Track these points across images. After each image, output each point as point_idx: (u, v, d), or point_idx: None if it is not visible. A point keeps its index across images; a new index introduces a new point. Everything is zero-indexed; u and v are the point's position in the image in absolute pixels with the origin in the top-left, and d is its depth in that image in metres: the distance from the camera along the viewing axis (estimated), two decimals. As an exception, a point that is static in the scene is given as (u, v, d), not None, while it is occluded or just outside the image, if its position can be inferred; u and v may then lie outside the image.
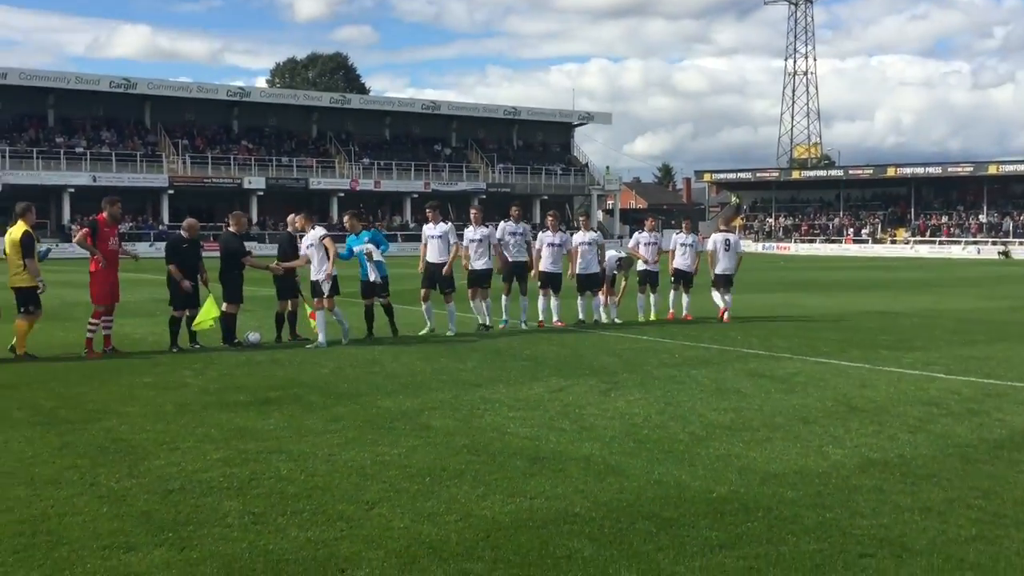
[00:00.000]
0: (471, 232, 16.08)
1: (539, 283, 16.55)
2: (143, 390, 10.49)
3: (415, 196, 75.05)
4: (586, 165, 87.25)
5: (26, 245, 12.90)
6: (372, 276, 14.66)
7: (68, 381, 11.07)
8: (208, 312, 13.96)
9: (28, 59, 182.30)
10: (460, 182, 77.38)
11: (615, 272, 18.26)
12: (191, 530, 5.65)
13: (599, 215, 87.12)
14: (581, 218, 18.29)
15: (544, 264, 16.54)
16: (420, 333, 15.35)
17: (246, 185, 68.09)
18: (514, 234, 16.37)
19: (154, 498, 6.31)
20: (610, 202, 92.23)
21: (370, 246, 14.79)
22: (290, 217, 15.11)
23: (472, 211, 16.34)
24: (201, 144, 71.33)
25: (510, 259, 16.33)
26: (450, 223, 15.48)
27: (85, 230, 13.42)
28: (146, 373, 11.66)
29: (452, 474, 6.92)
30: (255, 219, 63.74)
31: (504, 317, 16.41)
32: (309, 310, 14.56)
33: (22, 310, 13.02)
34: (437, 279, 15.36)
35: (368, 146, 78.91)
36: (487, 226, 16.22)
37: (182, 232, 14.35)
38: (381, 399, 9.91)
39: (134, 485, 6.62)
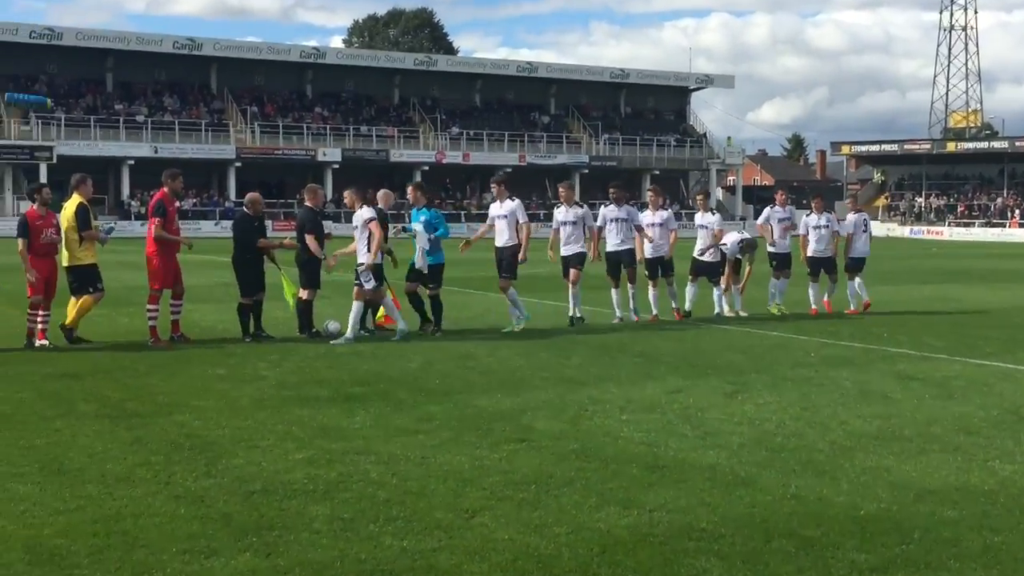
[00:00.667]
0: (562, 213, 16.03)
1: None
2: (216, 382, 10.84)
3: (508, 170, 75.28)
4: (704, 135, 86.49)
5: (81, 216, 13.40)
6: (418, 262, 14.54)
7: (135, 371, 11.49)
8: (287, 288, 14.47)
9: (84, 18, 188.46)
10: (559, 154, 77.49)
11: (738, 256, 18.11)
12: (276, 535, 5.84)
13: (718, 192, 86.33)
14: (699, 198, 18.22)
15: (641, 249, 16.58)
16: (505, 330, 15.18)
17: (320, 157, 69.32)
18: (616, 220, 16.34)
19: (234, 499, 6.54)
20: (731, 178, 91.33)
21: (418, 227, 14.55)
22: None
23: (561, 190, 16.28)
24: (271, 111, 72.85)
25: (609, 247, 16.35)
26: (516, 200, 15.26)
27: (157, 220, 13.78)
28: (218, 364, 12.03)
29: (560, 482, 7.00)
30: (330, 195, 64.86)
31: (618, 312, 16.41)
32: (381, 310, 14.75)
33: (89, 289, 13.49)
34: (503, 265, 15.22)
35: (456, 114, 79.49)
36: (581, 206, 16.14)
37: (246, 209, 14.70)
38: (477, 397, 10.05)
39: (212, 485, 6.87)
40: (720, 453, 7.83)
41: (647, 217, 16.86)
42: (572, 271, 15.83)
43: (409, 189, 15.24)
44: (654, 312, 16.71)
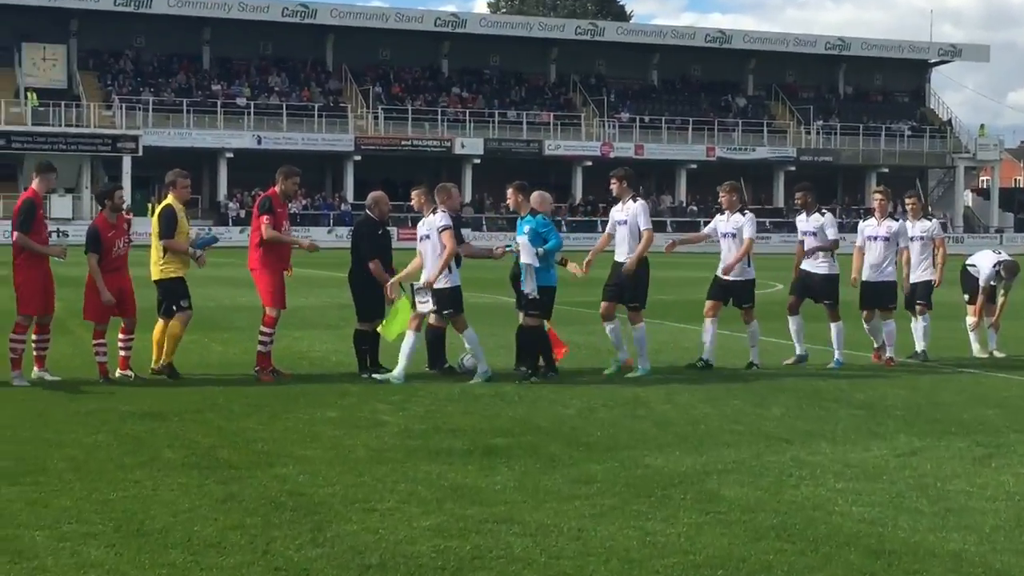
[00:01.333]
0: (723, 222, 15.78)
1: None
2: (326, 427, 11.03)
3: (693, 167, 75.22)
4: (949, 123, 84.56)
5: (163, 221, 13.84)
6: (526, 286, 14.14)
7: (230, 412, 11.79)
8: (401, 316, 14.40)
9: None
10: (759, 147, 77.00)
11: (992, 282, 17.61)
12: (396, 622, 5.90)
13: (967, 197, 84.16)
14: (909, 202, 17.48)
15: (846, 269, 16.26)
16: (606, 372, 14.97)
17: (458, 149, 70.40)
18: (806, 233, 16.11)
19: (346, 575, 6.64)
20: (984, 178, 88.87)
21: (523, 240, 14.20)
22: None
23: (722, 195, 15.91)
24: (399, 92, 74.31)
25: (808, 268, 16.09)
26: (639, 201, 14.88)
27: (266, 218, 14.10)
28: (330, 405, 12.24)
29: (756, 567, 6.90)
30: (468, 197, 65.72)
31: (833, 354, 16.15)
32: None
33: (173, 308, 13.93)
34: (624, 286, 14.95)
35: (627, 95, 79.73)
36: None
37: (369, 212, 14.91)
38: (649, 454, 10.00)
39: (319, 556, 6.99)
40: (967, 536, 7.61)
41: (870, 228, 16.51)
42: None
43: (509, 192, 15.08)
44: (888, 355, 16.33)
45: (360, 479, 8.95)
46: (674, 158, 75.30)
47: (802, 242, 16.28)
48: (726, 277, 15.62)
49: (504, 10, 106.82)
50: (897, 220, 16.80)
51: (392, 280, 14.25)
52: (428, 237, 13.96)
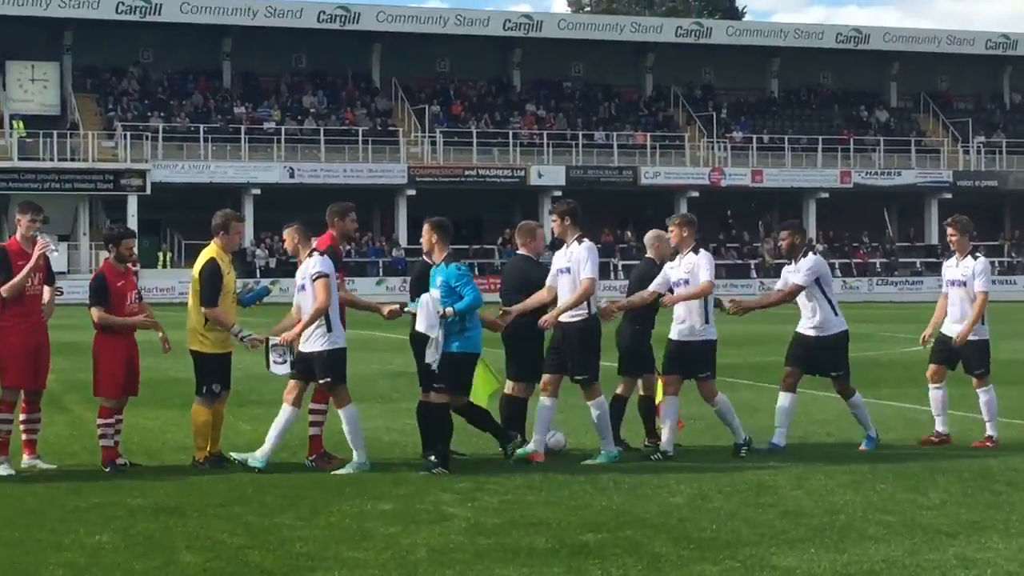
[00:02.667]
0: (674, 268, 15.20)
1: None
2: (379, 523, 11.06)
3: (824, 196, 74.72)
4: None
5: (209, 283, 13.91)
6: (429, 354, 13.80)
7: (262, 506, 11.86)
8: (485, 384, 14.63)
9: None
10: (905, 170, 76.55)
11: None
12: None
13: None
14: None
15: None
16: (511, 458, 14.48)
17: (534, 179, 70.55)
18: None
19: None
20: None
21: (425, 298, 13.86)
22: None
23: (672, 231, 15.33)
24: (460, 112, 74.66)
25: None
26: (585, 243, 14.44)
27: (340, 276, 14.17)
28: (383, 496, 12.28)
29: None
30: (549, 236, 65.77)
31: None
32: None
33: (203, 389, 14.10)
34: (565, 354, 14.60)
35: (742, 110, 79.65)
36: (696, 252, 15.19)
37: (426, 258, 14.90)
38: (777, 552, 9.97)
39: None
40: None
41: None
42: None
43: (425, 229, 14.46)
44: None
45: (421, 587, 8.97)
46: (800, 185, 74.85)
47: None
48: (676, 339, 15.11)
49: (588, 9, 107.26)
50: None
51: (266, 335, 14.15)
52: (303, 288, 13.86)
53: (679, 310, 14.89)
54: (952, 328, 15.89)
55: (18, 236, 13.91)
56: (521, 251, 15.22)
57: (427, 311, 13.71)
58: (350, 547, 10.19)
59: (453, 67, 77.42)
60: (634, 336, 15.27)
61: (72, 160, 64.82)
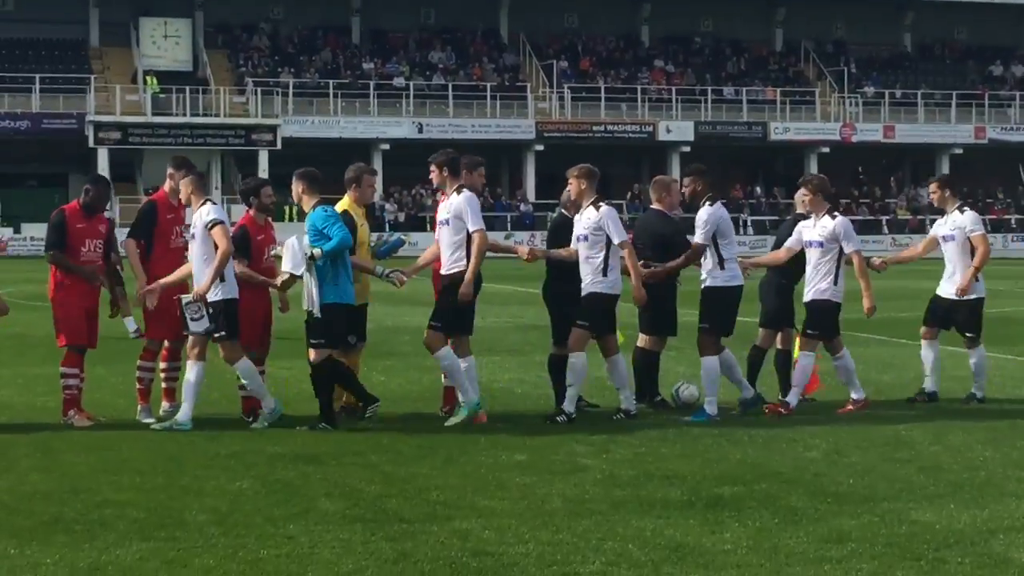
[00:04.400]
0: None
1: None
2: (514, 473, 11.16)
3: (958, 152, 73.60)
4: None
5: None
6: (305, 301, 13.50)
7: (398, 455, 12.00)
8: None
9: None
10: (1041, 125, 75.06)
11: None
12: None
13: None
14: (933, 187, 16.02)
15: None
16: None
17: (662, 135, 70.35)
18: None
19: (547, 651, 6.71)
20: None
21: (298, 238, 13.54)
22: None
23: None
24: (589, 67, 74.50)
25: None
26: (464, 194, 13.88)
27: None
28: (517, 447, 12.36)
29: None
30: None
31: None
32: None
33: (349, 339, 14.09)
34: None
35: (874, 65, 78.67)
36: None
37: (563, 211, 14.98)
38: (916, 507, 9.91)
39: (513, 628, 7.06)
40: None
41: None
42: None
43: (294, 180, 14.07)
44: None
45: (557, 536, 9.03)
46: (934, 141, 73.81)
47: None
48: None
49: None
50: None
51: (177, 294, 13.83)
52: (194, 236, 13.57)
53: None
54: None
55: (167, 189, 14.12)
56: (655, 206, 15.17)
57: (292, 251, 13.48)
58: (486, 496, 10.28)
59: (581, 22, 77.16)
60: (779, 290, 15.14)
61: (204, 115, 65.54)
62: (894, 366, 18.54)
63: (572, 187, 14.39)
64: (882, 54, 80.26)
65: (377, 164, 66.44)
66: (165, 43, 69.68)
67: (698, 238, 14.41)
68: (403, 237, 16.69)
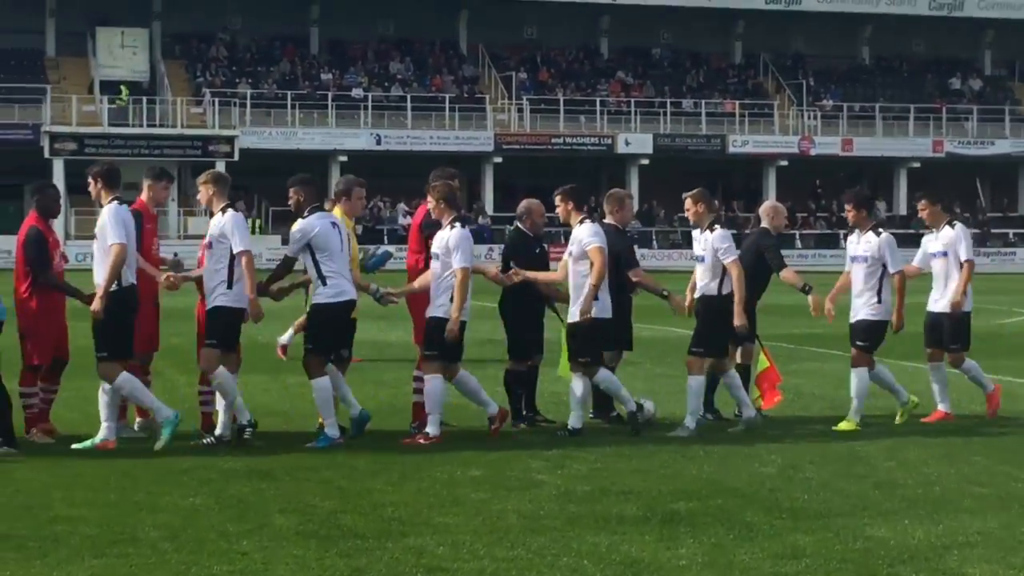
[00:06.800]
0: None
1: None
2: (469, 489, 11.17)
3: (915, 166, 73.93)
4: None
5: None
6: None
7: (353, 470, 12.00)
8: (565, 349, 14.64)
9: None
10: (999, 139, 75.58)
11: None
12: None
13: None
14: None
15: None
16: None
17: (621, 147, 70.42)
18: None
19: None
20: None
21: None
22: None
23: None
24: (548, 79, 74.50)
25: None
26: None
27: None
28: (473, 463, 12.36)
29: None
30: (637, 205, 65.53)
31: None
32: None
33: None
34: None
35: (832, 78, 78.93)
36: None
37: (520, 225, 15.02)
38: (871, 523, 9.96)
39: (467, 645, 7.08)
40: None
41: None
42: None
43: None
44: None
45: (512, 552, 9.05)
46: (892, 155, 74.04)
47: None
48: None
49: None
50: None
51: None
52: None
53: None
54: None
55: (145, 199, 14.04)
56: (608, 220, 15.16)
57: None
58: (441, 512, 10.28)
59: (540, 34, 77.10)
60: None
61: (161, 126, 65.32)
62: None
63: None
64: (840, 67, 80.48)
65: (335, 176, 66.24)
66: (122, 53, 69.24)
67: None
68: (390, 251, 16.61)
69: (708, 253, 14.36)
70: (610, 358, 14.87)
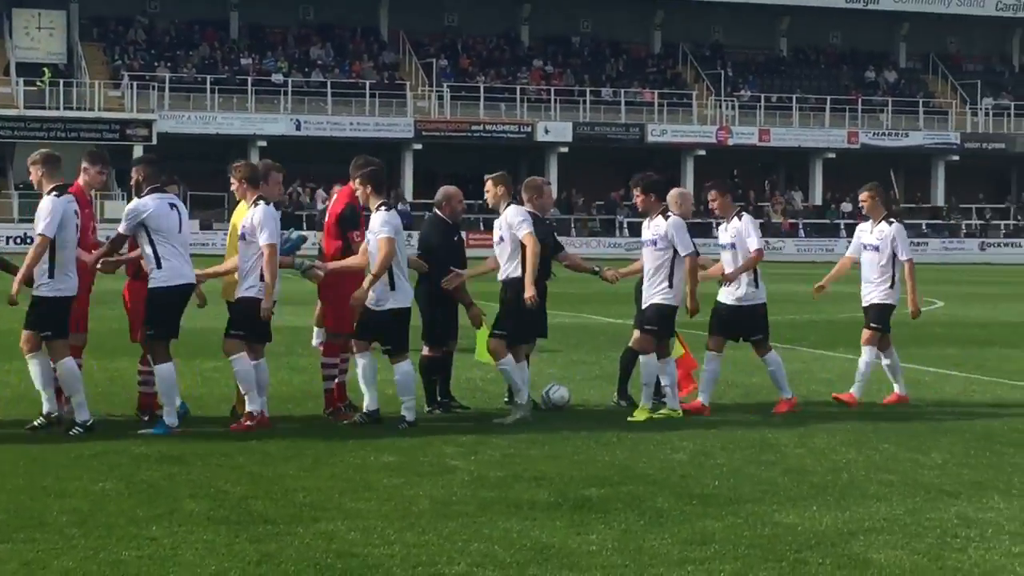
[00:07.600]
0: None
1: None
2: (382, 475, 11.14)
3: (831, 157, 74.63)
4: None
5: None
6: None
7: (265, 456, 11.92)
8: (480, 336, 14.69)
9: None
10: (913, 131, 76.34)
11: None
12: None
13: None
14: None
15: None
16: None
17: (541, 136, 70.55)
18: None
19: (408, 654, 6.71)
20: None
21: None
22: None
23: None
24: (469, 66, 74.49)
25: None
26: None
27: (356, 234, 14.19)
28: (386, 448, 12.34)
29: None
30: (555, 193, 65.66)
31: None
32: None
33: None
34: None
35: (750, 69, 79.43)
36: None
37: (438, 212, 15.01)
38: (779, 509, 10.04)
39: (375, 630, 7.05)
40: None
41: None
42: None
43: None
44: None
45: (423, 537, 9.04)
46: (807, 145, 74.74)
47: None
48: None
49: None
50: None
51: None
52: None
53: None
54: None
55: (81, 183, 13.90)
56: (527, 207, 15.09)
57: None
58: (353, 498, 10.25)
59: (461, 21, 77.14)
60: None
61: (78, 109, 64.72)
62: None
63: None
64: (758, 58, 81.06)
65: (254, 161, 65.72)
66: (39, 35, 68.63)
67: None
68: (304, 234, 16.52)
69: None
70: (526, 347, 14.87)
